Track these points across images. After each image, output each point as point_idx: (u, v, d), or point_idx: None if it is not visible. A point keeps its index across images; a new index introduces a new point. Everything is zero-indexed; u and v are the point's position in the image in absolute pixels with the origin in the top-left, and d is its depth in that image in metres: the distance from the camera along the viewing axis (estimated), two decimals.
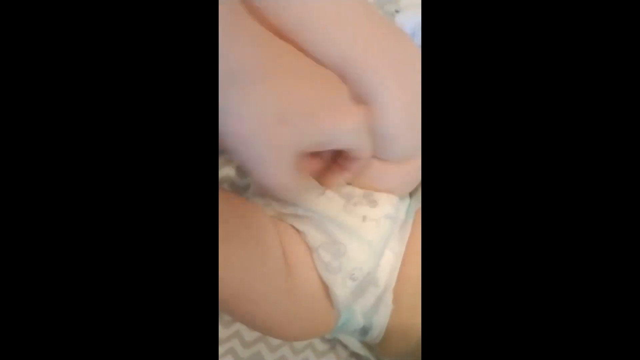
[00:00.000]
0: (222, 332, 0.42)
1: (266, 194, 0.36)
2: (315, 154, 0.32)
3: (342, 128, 0.27)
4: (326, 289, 0.33)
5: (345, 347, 0.43)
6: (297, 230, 0.34)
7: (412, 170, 0.34)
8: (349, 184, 0.34)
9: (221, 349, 0.41)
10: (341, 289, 0.32)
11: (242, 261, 0.30)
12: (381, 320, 0.35)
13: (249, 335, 0.42)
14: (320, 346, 0.43)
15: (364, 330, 0.36)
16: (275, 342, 0.42)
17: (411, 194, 0.38)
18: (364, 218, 0.34)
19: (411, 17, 0.41)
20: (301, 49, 0.26)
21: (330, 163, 0.33)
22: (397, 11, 0.40)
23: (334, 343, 0.43)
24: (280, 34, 0.26)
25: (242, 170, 0.43)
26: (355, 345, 0.41)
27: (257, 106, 0.24)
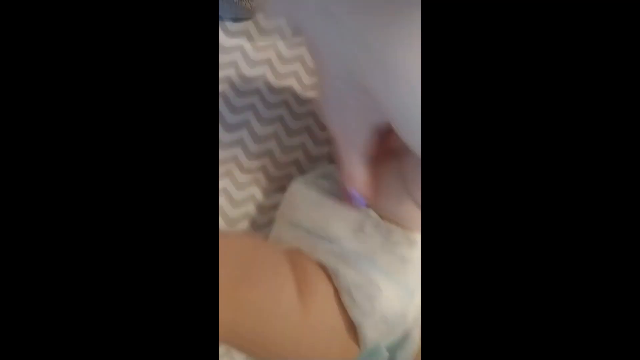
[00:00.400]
0: None
1: (300, 226, 0.35)
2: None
3: None
4: (349, 325, 0.32)
5: None
6: (323, 266, 0.33)
7: None
8: (387, 220, 0.33)
9: None
10: (372, 331, 0.31)
11: (255, 302, 0.30)
12: (406, 356, 0.33)
13: None
14: None
15: None
16: None
17: None
18: (403, 259, 0.32)
19: None
20: None
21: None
22: None
23: None
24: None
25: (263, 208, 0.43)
26: None
27: None
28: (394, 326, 0.32)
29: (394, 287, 0.32)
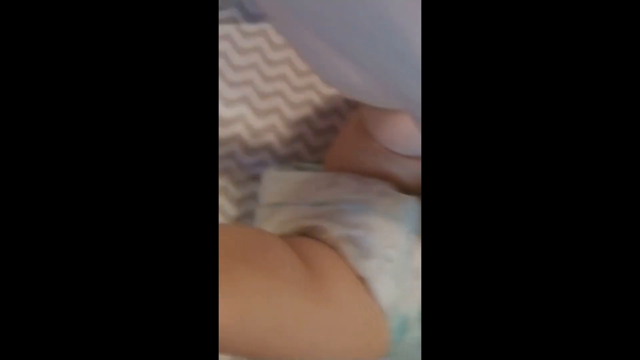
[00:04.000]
0: None
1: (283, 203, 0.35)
2: None
3: None
4: (366, 298, 0.29)
5: None
6: (318, 239, 0.31)
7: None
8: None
9: None
10: (379, 276, 0.29)
11: (266, 293, 0.27)
12: None
13: None
14: None
15: None
16: None
17: None
18: (380, 193, 0.32)
19: None
20: None
21: None
22: None
23: None
24: None
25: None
26: None
27: None
28: (401, 267, 0.30)
29: (378, 219, 0.30)
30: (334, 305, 0.28)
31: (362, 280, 0.29)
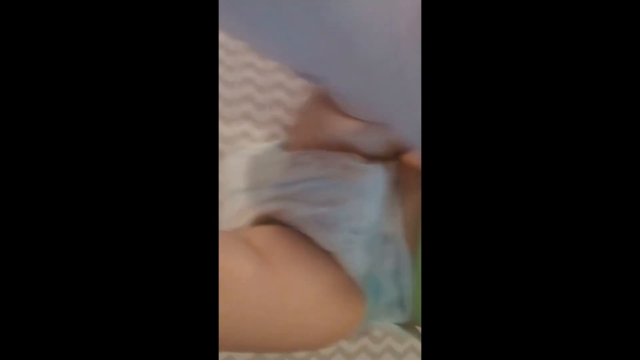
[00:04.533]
0: None
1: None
2: None
3: None
4: (336, 270, 0.30)
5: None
6: (282, 222, 0.32)
7: None
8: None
9: None
10: (348, 248, 0.29)
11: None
12: (408, 281, 0.31)
13: None
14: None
15: (401, 302, 0.32)
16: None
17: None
18: (343, 166, 0.32)
19: None
20: None
21: None
22: None
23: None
24: None
25: None
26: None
27: None
28: (371, 237, 0.30)
29: (342, 192, 0.31)
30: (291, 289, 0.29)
31: (330, 254, 0.30)
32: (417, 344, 0.38)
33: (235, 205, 0.35)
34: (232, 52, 0.40)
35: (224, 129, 0.39)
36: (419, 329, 0.34)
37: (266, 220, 0.34)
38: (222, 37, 0.38)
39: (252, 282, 0.28)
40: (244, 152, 0.38)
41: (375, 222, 0.31)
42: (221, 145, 0.39)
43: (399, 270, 0.31)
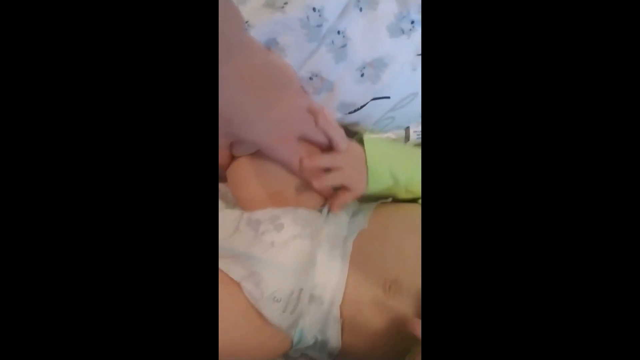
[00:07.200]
0: None
1: None
2: None
3: None
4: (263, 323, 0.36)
5: None
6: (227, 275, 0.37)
7: None
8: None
9: None
10: (269, 311, 0.36)
11: None
12: (334, 334, 0.38)
13: None
14: None
15: (322, 345, 0.38)
16: None
17: (354, 213, 0.44)
18: (273, 244, 0.39)
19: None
20: None
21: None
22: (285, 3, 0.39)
23: None
24: None
25: None
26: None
27: None
28: (295, 304, 0.37)
29: (271, 270, 0.37)
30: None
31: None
32: None
33: None
34: None
35: None
36: None
37: None
38: None
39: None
40: None
41: (295, 290, 0.37)
42: None
43: (326, 325, 0.38)
